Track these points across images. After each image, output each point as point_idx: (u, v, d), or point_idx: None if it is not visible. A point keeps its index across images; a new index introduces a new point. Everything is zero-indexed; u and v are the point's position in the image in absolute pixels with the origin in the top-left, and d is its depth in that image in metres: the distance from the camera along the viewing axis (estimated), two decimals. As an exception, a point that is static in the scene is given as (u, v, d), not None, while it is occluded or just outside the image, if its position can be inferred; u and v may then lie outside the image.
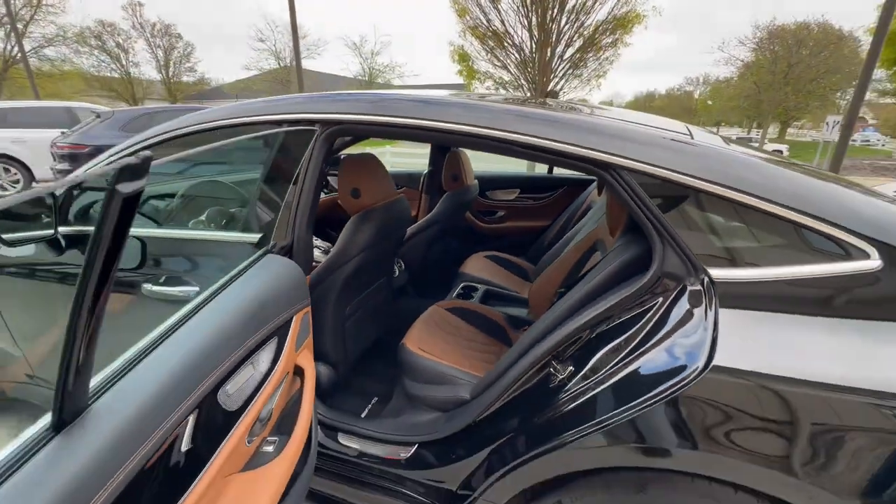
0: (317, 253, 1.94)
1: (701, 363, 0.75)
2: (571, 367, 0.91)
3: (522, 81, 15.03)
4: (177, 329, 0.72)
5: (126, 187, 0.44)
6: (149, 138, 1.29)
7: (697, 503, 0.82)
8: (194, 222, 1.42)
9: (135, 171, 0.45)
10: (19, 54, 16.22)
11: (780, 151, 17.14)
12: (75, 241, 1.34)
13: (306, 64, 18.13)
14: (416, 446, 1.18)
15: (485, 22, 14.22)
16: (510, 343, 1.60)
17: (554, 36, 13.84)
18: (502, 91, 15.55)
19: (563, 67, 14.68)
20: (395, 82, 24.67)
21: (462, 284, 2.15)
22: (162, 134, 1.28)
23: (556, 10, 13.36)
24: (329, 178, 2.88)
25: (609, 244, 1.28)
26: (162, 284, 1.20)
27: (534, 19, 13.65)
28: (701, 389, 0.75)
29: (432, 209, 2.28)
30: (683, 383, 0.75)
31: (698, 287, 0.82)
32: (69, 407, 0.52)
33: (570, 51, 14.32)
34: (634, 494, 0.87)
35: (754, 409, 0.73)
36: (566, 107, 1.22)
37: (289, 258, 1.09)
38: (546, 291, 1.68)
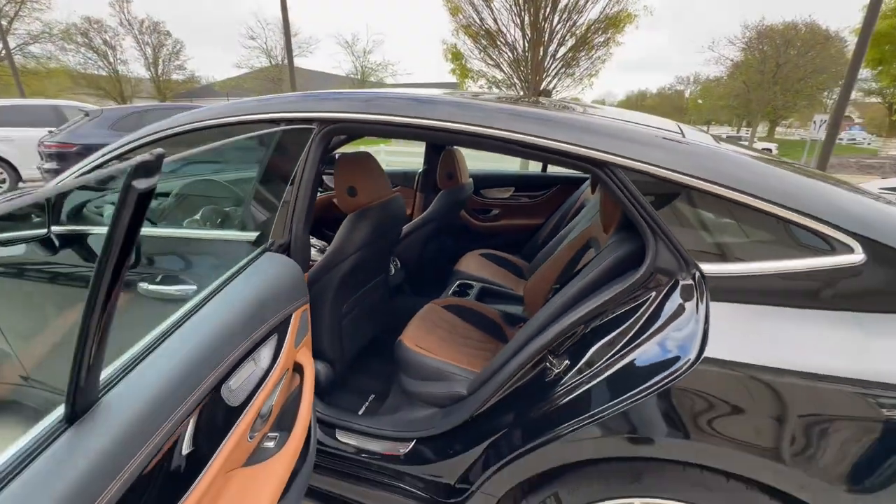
0: (313, 252, 1.94)
1: (693, 355, 0.77)
2: (567, 362, 0.93)
3: (515, 80, 15.03)
4: (181, 325, 0.72)
5: (141, 183, 0.45)
6: (142, 137, 1.28)
7: (690, 491, 0.85)
8: (189, 221, 1.41)
9: (149, 167, 0.46)
10: (3, 51, 15.91)
11: (770, 150, 17.35)
12: (69, 240, 1.33)
13: (298, 62, 17.97)
14: (413, 442, 1.19)
15: (478, 20, 14.21)
16: (506, 340, 1.61)
17: (546, 35, 13.86)
18: (495, 90, 15.58)
19: (556, 66, 14.71)
20: (388, 81, 24.56)
21: (458, 282, 2.16)
22: (155, 133, 1.26)
23: (548, 10, 13.38)
24: (323, 176, 2.87)
25: (602, 241, 1.30)
26: (159, 283, 1.19)
27: (526, 18, 13.66)
28: (693, 381, 0.77)
29: (427, 207, 2.29)
30: (676, 375, 0.77)
31: (690, 281, 0.84)
32: (81, 400, 0.53)
33: (563, 50, 14.34)
34: (629, 484, 0.89)
35: (745, 399, 0.76)
36: (560, 105, 1.23)
37: (287, 256, 1.09)
38: (541, 288, 1.70)
